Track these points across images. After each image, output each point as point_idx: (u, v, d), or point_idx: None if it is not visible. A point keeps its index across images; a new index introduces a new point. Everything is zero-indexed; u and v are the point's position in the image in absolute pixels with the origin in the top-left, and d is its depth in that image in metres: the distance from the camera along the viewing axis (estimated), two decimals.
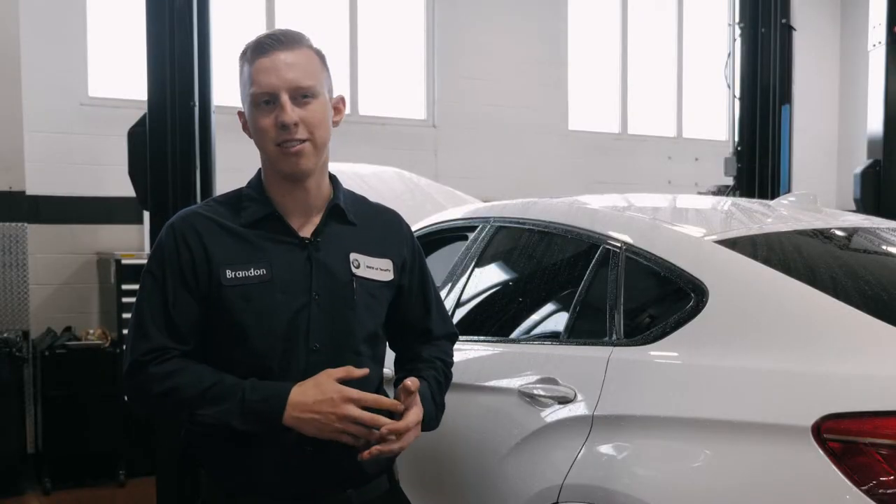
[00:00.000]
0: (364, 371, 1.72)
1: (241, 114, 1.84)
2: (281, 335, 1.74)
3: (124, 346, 1.79)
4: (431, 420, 1.86)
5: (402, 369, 1.98)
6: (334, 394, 1.65)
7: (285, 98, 1.72)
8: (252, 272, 1.73)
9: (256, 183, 1.85)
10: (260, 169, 1.86)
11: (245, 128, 1.83)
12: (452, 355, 2.05)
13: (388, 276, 1.87)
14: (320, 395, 1.65)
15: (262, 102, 1.74)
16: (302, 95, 1.74)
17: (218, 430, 1.69)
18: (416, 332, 2.00)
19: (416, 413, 1.73)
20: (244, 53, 1.78)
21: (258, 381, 1.69)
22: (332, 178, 1.88)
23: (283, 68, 1.73)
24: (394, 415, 1.72)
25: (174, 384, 1.68)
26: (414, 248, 1.98)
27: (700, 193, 5.43)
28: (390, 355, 2.04)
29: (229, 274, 1.73)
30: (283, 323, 1.74)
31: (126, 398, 1.78)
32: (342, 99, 1.87)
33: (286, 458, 1.74)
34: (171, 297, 1.73)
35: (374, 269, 1.85)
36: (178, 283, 1.73)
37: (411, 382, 1.72)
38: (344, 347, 1.78)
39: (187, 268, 1.73)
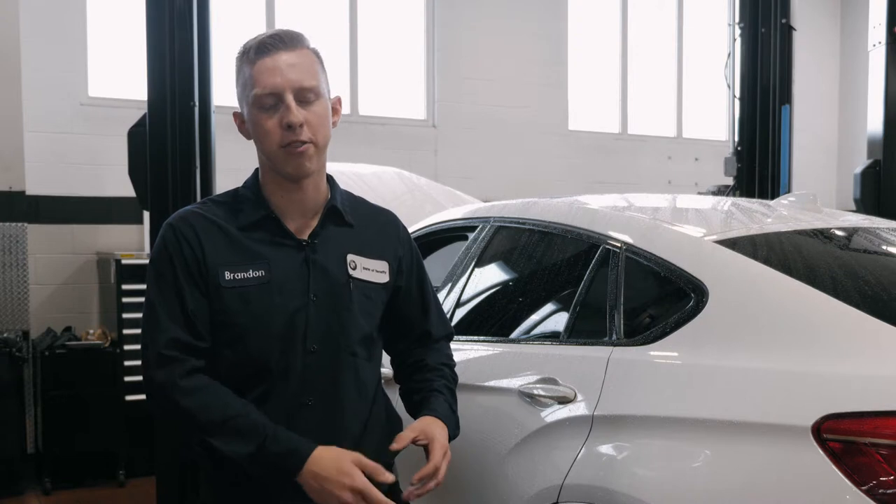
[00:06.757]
0: (390, 477, 1.71)
1: (237, 114, 1.81)
2: (278, 336, 1.73)
3: (140, 346, 1.74)
4: (455, 429, 1.89)
5: (411, 380, 1.97)
6: (346, 478, 1.64)
7: (290, 98, 1.70)
8: (251, 274, 1.73)
9: (253, 184, 1.83)
10: (256, 169, 1.84)
11: (242, 128, 1.81)
12: (453, 356, 2.06)
13: (384, 277, 1.87)
14: (334, 475, 1.64)
15: (264, 104, 1.71)
16: (305, 96, 1.72)
17: (224, 462, 1.68)
18: (415, 335, 1.99)
19: (437, 452, 1.76)
20: (245, 54, 1.75)
21: (280, 431, 1.67)
22: (330, 180, 1.87)
23: (286, 69, 1.71)
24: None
25: (201, 402, 1.66)
26: (411, 250, 1.98)
27: (700, 193, 5.43)
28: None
29: (228, 275, 1.72)
30: (280, 324, 1.73)
31: (147, 395, 1.73)
32: (339, 99, 1.85)
33: None
34: (186, 293, 1.71)
35: (370, 270, 1.85)
36: (187, 279, 1.72)
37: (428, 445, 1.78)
38: (340, 348, 1.79)
39: (193, 264, 1.72)
